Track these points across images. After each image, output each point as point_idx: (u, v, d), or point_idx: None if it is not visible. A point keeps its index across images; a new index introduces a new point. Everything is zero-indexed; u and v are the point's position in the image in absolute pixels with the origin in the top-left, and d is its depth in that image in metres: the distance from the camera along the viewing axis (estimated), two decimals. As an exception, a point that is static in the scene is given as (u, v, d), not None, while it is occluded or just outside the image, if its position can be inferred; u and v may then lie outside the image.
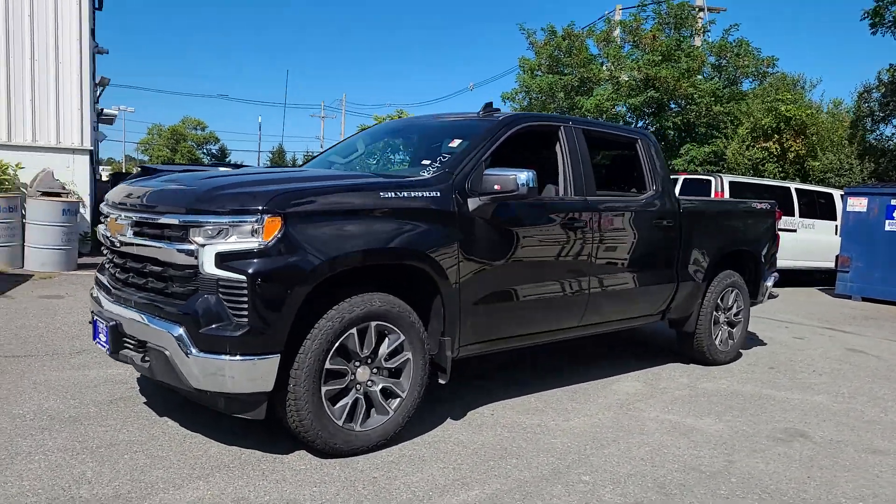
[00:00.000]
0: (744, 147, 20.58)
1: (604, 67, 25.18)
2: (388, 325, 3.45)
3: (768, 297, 6.53)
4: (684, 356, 5.86)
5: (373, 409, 3.47)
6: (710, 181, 12.61)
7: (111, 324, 3.39)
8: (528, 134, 4.54)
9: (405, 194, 3.54)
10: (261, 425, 3.52)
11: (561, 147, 4.55)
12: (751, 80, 25.08)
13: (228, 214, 3.06)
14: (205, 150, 66.83)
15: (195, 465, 3.17)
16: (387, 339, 3.48)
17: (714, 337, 5.72)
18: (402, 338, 3.51)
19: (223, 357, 2.99)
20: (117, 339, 3.38)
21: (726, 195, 12.11)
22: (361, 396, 3.42)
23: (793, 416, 4.49)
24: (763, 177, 19.07)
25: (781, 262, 13.32)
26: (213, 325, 3.02)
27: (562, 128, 4.58)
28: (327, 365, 3.23)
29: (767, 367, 5.90)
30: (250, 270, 2.99)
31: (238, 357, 2.99)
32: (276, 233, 3.05)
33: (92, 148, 10.78)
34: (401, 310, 3.48)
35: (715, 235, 5.61)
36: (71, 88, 10.33)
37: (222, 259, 3.01)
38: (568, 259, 4.37)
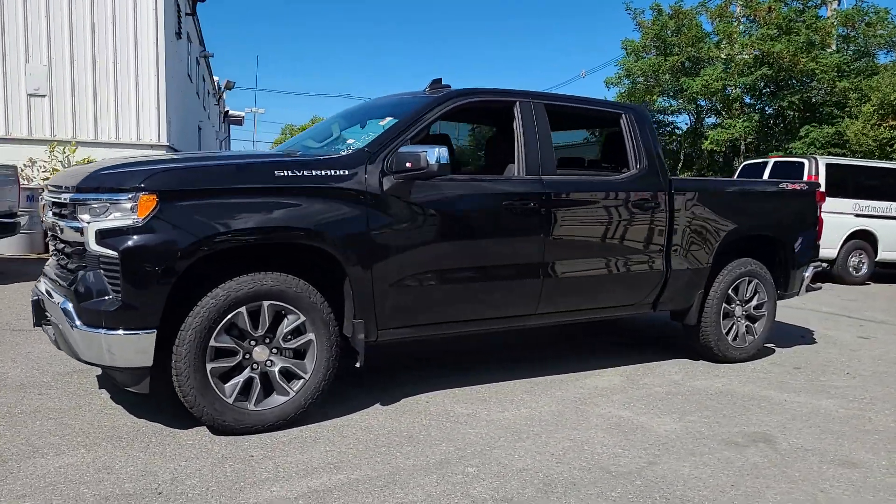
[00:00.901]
0: (869, 126, 18.47)
1: (716, 45, 23.61)
2: (285, 305, 3.42)
3: (808, 290, 5.81)
4: (693, 352, 5.37)
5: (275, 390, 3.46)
6: (802, 164, 11.52)
7: (34, 298, 3.62)
8: (479, 111, 4.33)
9: (304, 173, 3.49)
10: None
11: (515, 124, 4.29)
12: (886, 51, 22.52)
13: (108, 192, 3.16)
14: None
15: (90, 434, 3.31)
16: (286, 319, 3.45)
17: (724, 331, 5.18)
18: (303, 318, 3.46)
19: (100, 331, 3.10)
20: (39, 313, 3.60)
21: (821, 179, 11.00)
22: (257, 376, 3.41)
23: (772, 420, 3.97)
24: (892, 159, 17.08)
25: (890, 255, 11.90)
26: (93, 300, 3.13)
27: (517, 104, 4.31)
28: (212, 342, 3.26)
29: (792, 367, 5.26)
30: (122, 247, 3.07)
31: (114, 331, 3.09)
32: (151, 211, 3.11)
33: (169, 143, 11.59)
34: (299, 290, 3.44)
35: (721, 219, 5.06)
36: (149, 89, 11.17)
37: (102, 236, 3.11)
38: (510, 242, 4.12)
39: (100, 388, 4.00)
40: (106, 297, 3.12)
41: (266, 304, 3.37)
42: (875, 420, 4.07)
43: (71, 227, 3.26)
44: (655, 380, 4.73)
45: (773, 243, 5.49)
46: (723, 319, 5.18)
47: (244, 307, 3.32)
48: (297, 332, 3.49)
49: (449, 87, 4.36)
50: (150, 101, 11.18)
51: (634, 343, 5.90)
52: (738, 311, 5.29)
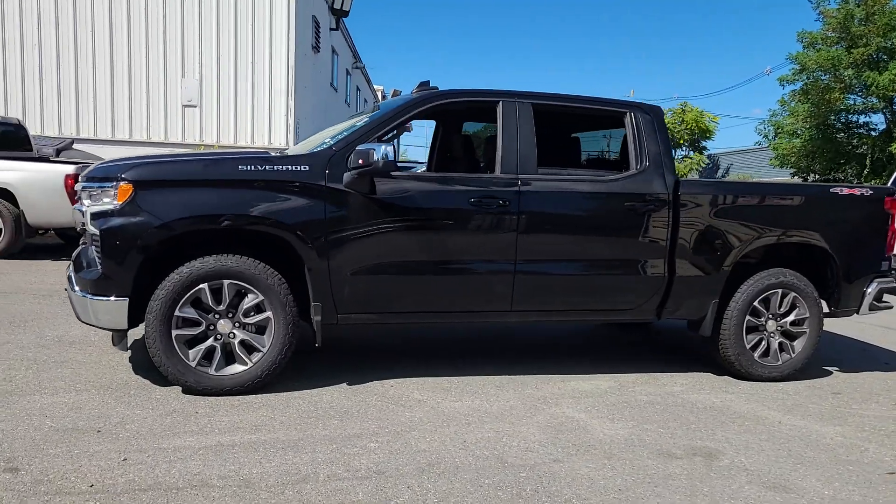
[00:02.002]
0: None
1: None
2: (245, 284, 3.85)
3: (873, 309, 5.17)
4: (719, 367, 5.03)
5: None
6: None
7: (68, 273, 4.39)
8: (467, 112, 4.47)
9: (267, 168, 3.90)
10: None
11: (498, 123, 4.39)
12: None
13: (100, 182, 3.79)
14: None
15: (90, 383, 3.97)
16: (246, 297, 3.88)
17: (749, 346, 4.81)
18: (261, 298, 3.87)
19: (87, 296, 3.73)
20: (70, 284, 4.36)
21: None
22: (219, 346, 3.87)
23: (737, 440, 3.69)
24: None
25: None
26: (85, 270, 3.78)
27: (500, 103, 4.40)
28: (177, 312, 3.77)
29: (830, 392, 4.75)
30: (103, 226, 3.68)
31: (95, 297, 3.70)
32: (127, 197, 3.69)
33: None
34: (257, 272, 3.85)
35: (742, 224, 4.71)
36: (280, 99, 12.42)
37: (93, 217, 3.75)
38: (477, 239, 4.22)
39: (128, 348, 4.71)
40: (93, 269, 3.75)
41: (226, 282, 3.82)
42: (863, 450, 3.63)
43: (79, 211, 3.95)
44: (649, 388, 4.54)
45: (820, 254, 4.98)
46: (747, 333, 4.81)
47: (206, 284, 3.79)
48: (258, 309, 3.90)
49: (435, 88, 4.56)
50: (280, 110, 12.43)
51: (663, 352, 5.63)
52: (771, 325, 4.87)
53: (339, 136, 4.21)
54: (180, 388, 3.89)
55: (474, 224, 4.21)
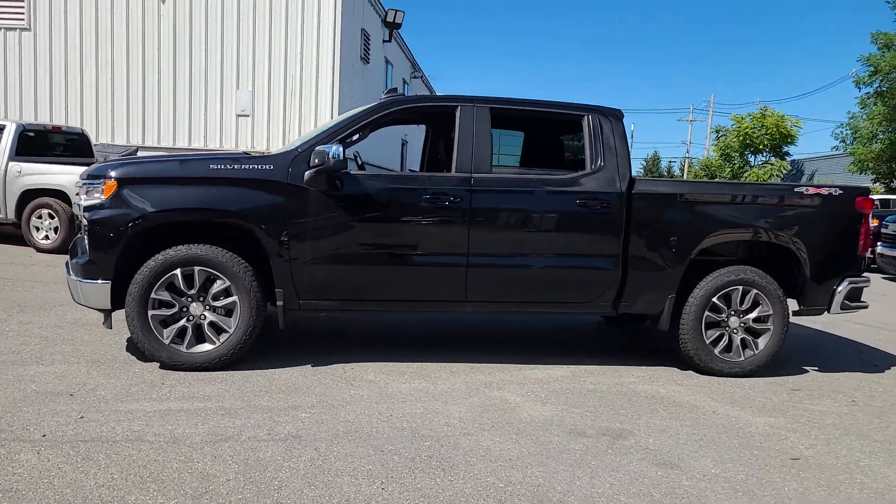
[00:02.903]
0: None
1: None
2: (213, 271, 4.31)
3: (845, 308, 5.11)
4: (682, 362, 5.12)
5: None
6: None
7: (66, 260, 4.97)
8: (429, 115, 4.79)
9: (235, 167, 4.35)
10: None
11: (456, 126, 4.69)
12: None
13: (93, 179, 4.35)
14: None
15: (83, 356, 4.52)
16: (216, 283, 4.34)
17: (709, 341, 4.89)
18: (228, 283, 4.33)
19: (79, 279, 4.29)
20: (67, 269, 4.94)
21: None
22: (190, 326, 4.35)
23: (660, 424, 3.83)
24: None
25: None
26: (78, 257, 4.34)
27: (458, 108, 4.70)
28: (153, 294, 4.26)
29: (790, 388, 4.76)
30: (91, 217, 4.22)
31: (83, 280, 4.25)
32: (112, 192, 4.22)
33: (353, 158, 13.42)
34: (225, 260, 4.30)
35: (698, 223, 4.80)
36: (326, 108, 13.07)
37: (85, 209, 4.31)
38: (430, 233, 4.52)
39: (111, 327, 5.24)
40: (83, 255, 4.30)
41: (197, 268, 4.29)
42: (789, 442, 3.69)
43: (78, 205, 4.52)
44: (601, 378, 4.70)
45: (784, 253, 5.00)
46: (707, 329, 4.89)
47: (179, 270, 4.27)
48: (226, 294, 4.35)
49: (402, 95, 4.91)
50: (325, 119, 13.06)
51: (647, 348, 5.72)
52: (734, 321, 4.93)
53: (307, 138, 4.62)
54: (158, 364, 4.39)
55: (428, 219, 4.52)
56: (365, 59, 15.29)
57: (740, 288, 4.89)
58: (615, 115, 4.90)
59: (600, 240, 4.71)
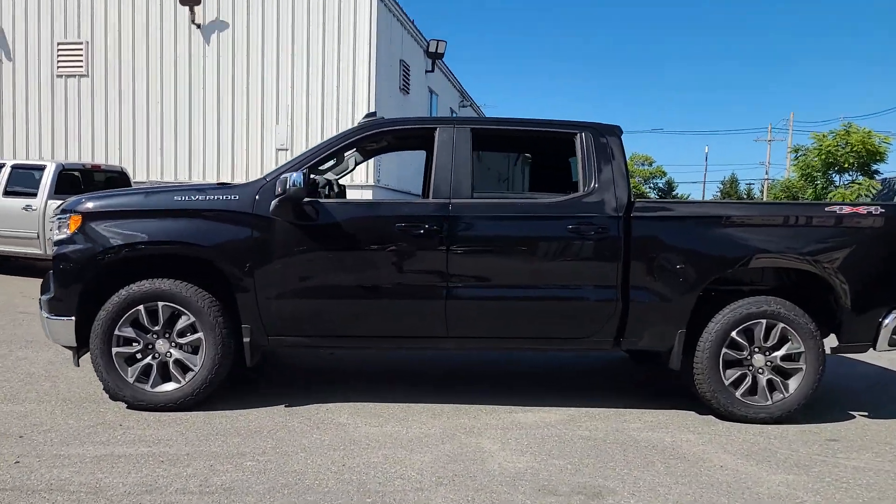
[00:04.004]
0: None
1: None
2: (177, 306, 4.12)
3: (893, 344, 4.45)
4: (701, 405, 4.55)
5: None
6: None
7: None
8: (408, 139, 4.53)
9: (199, 198, 4.17)
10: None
11: (434, 149, 4.38)
12: None
13: (62, 213, 4.26)
14: (651, 185, 66.95)
15: (58, 396, 4.40)
16: (181, 319, 4.15)
17: (729, 382, 4.32)
18: (193, 319, 4.12)
19: (45, 315, 4.18)
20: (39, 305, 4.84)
21: None
22: (156, 364, 4.16)
23: (651, 480, 3.33)
24: None
25: None
26: (46, 293, 4.24)
27: (437, 129, 4.40)
28: (117, 331, 4.10)
29: (826, 438, 4.13)
30: (56, 252, 4.12)
31: (51, 317, 4.14)
32: (76, 227, 4.12)
33: (375, 183, 13.28)
34: (189, 294, 4.11)
35: (713, 248, 4.28)
36: (361, 139, 13.02)
37: (53, 244, 4.22)
38: (403, 264, 4.20)
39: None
40: (49, 291, 4.20)
41: (161, 304, 4.12)
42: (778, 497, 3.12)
43: (50, 240, 4.46)
44: (600, 424, 4.21)
45: (817, 281, 4.40)
46: (725, 368, 4.33)
47: (142, 305, 4.11)
48: (193, 329, 4.15)
49: (380, 119, 4.65)
50: (360, 150, 13.03)
51: (665, 387, 5.17)
52: (758, 360, 4.35)
53: (280, 166, 4.42)
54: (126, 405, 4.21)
55: (402, 249, 4.20)
56: (404, 89, 15.25)
57: (763, 321, 4.31)
58: (611, 132, 4.47)
59: (596, 268, 4.26)
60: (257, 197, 4.17)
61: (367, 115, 4.74)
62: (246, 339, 4.18)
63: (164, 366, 4.18)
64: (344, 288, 4.20)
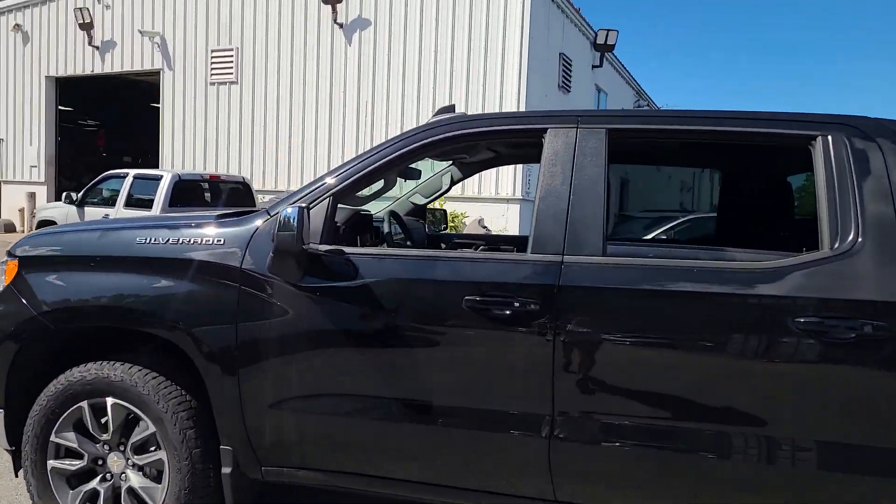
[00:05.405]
0: None
1: None
2: (131, 406, 2.68)
3: None
4: None
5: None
6: None
7: None
8: (503, 145, 2.73)
9: (169, 242, 2.69)
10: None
11: (541, 168, 2.55)
12: None
13: (7, 256, 3.00)
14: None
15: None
16: (139, 425, 2.71)
17: None
18: (152, 429, 2.66)
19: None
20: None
21: None
22: (104, 490, 2.74)
23: None
24: None
25: None
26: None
27: (547, 132, 2.55)
28: (53, 437, 2.75)
29: None
30: (-19, 315, 2.85)
31: (-26, 407, 2.88)
32: (12, 278, 2.83)
33: (524, 197, 11.53)
34: (147, 390, 2.64)
35: None
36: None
37: (-12, 301, 2.96)
38: (481, 367, 2.41)
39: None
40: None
41: (110, 401, 2.70)
42: None
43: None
44: None
45: None
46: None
47: (86, 401, 2.72)
48: (151, 445, 2.69)
49: (461, 114, 2.90)
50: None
51: None
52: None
53: (293, 193, 2.82)
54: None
55: (475, 341, 2.42)
56: (564, 87, 13.27)
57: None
58: (881, 132, 2.34)
59: (853, 396, 2.17)
60: (250, 243, 2.60)
61: (441, 111, 2.98)
62: (226, 470, 2.63)
63: (117, 496, 2.75)
64: (377, 401, 2.51)
